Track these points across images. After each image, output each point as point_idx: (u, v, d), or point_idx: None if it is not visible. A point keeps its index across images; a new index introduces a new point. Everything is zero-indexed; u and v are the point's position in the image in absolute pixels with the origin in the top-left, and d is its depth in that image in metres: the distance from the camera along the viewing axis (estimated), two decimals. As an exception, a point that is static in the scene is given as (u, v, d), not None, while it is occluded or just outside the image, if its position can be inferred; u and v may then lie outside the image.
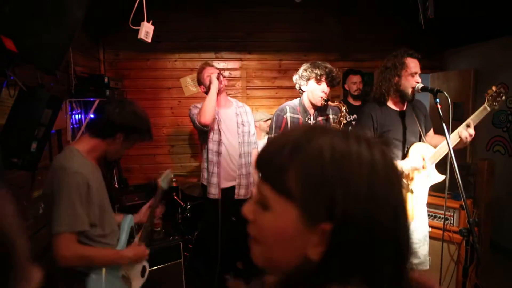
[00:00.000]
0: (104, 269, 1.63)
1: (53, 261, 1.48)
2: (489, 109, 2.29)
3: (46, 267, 0.63)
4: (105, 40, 4.29)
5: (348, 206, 0.52)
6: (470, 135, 2.23)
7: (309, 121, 2.55)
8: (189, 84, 4.50)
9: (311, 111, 2.59)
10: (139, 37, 2.42)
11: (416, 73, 2.29)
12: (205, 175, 2.85)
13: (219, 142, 2.75)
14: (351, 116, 3.85)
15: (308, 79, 2.50)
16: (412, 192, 2.39)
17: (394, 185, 0.57)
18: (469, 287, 2.61)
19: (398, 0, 4.49)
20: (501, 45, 4.02)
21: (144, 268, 1.90)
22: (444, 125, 1.99)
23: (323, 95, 2.48)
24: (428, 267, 2.55)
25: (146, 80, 4.44)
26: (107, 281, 1.63)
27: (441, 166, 2.35)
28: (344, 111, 2.41)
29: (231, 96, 4.54)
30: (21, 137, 1.91)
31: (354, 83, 3.98)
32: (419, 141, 2.46)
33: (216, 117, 2.76)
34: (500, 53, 4.04)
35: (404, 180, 2.33)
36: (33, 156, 1.96)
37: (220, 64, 4.55)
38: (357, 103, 4.02)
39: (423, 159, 2.27)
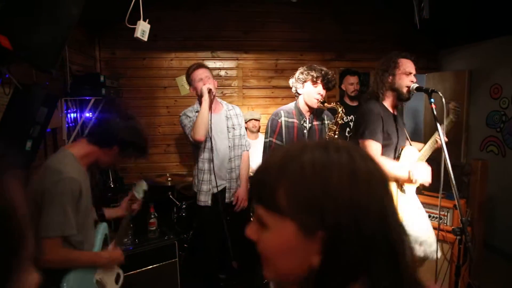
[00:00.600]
0: (78, 273, 1.63)
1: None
2: (454, 120, 2.53)
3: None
4: (101, 39, 4.28)
5: (335, 213, 0.56)
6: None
7: (304, 124, 2.56)
8: (185, 83, 4.48)
9: (307, 114, 2.60)
10: (135, 35, 2.42)
11: (410, 72, 2.31)
12: (195, 181, 2.86)
13: (211, 149, 2.74)
14: (348, 117, 3.86)
15: (304, 82, 2.53)
16: (404, 192, 2.44)
17: (377, 187, 0.60)
18: (461, 286, 2.64)
19: (394, 1, 4.51)
20: (496, 46, 4.05)
21: (118, 275, 1.92)
22: (438, 125, 2.01)
23: (319, 97, 2.50)
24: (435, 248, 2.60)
25: (142, 79, 4.43)
26: (82, 285, 1.63)
27: (435, 166, 2.37)
28: (341, 112, 2.43)
29: (227, 96, 4.58)
30: (16, 135, 1.90)
31: (351, 84, 3.99)
32: (406, 144, 2.51)
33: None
34: (495, 53, 4.07)
35: (395, 183, 2.36)
36: (28, 154, 1.96)
37: (217, 63, 4.55)
38: (354, 103, 4.04)
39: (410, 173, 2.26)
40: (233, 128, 2.84)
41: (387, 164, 2.25)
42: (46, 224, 1.49)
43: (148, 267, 2.84)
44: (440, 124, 2.02)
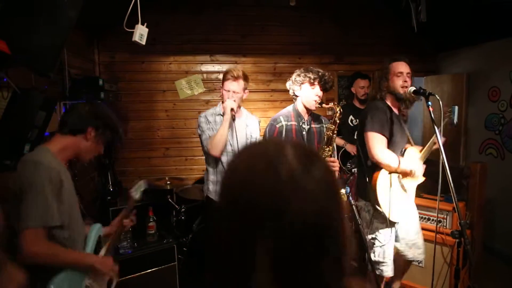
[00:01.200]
0: (67, 275, 1.58)
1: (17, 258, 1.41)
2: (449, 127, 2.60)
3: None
4: (100, 42, 4.29)
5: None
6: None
7: (303, 126, 2.58)
8: (184, 87, 4.50)
9: (305, 116, 2.61)
10: (133, 39, 2.42)
11: (400, 72, 2.41)
12: (210, 187, 2.74)
13: (228, 154, 2.67)
14: (356, 120, 3.83)
15: (301, 84, 2.54)
16: (406, 191, 2.50)
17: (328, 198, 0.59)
18: (461, 289, 2.65)
19: (392, 4, 4.53)
20: (494, 49, 4.06)
21: (110, 280, 1.85)
22: (435, 128, 2.01)
23: (317, 98, 2.51)
24: (425, 254, 2.72)
25: (141, 82, 4.43)
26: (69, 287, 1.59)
27: (434, 168, 2.38)
28: (338, 111, 2.43)
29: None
30: (14, 139, 1.90)
31: (362, 87, 3.93)
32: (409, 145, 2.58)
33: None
34: (493, 56, 4.08)
35: (398, 179, 2.46)
36: (26, 158, 1.95)
37: (215, 67, 4.56)
38: (363, 106, 4.02)
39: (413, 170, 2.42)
40: (251, 136, 2.81)
41: (390, 157, 2.36)
42: (27, 215, 1.43)
43: (147, 271, 2.83)
44: (438, 127, 2.02)
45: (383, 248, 2.49)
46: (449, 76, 4.62)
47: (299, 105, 2.61)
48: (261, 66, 4.68)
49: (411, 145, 2.62)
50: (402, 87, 2.40)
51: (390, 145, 2.43)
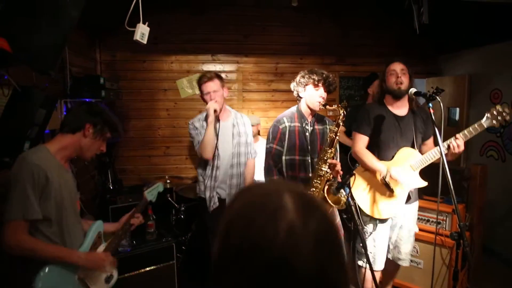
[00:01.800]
0: (54, 269, 1.61)
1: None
2: (485, 126, 2.32)
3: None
4: (102, 41, 4.29)
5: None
6: (458, 146, 2.29)
7: (306, 127, 2.59)
8: (185, 86, 4.51)
9: (309, 117, 2.62)
10: (134, 38, 2.42)
11: (394, 70, 2.49)
12: (202, 187, 2.81)
13: (217, 156, 2.72)
14: None
15: (306, 85, 2.55)
16: (394, 194, 2.48)
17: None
18: (460, 291, 2.64)
19: (394, 5, 4.52)
20: (496, 51, 4.06)
21: (110, 275, 1.88)
22: (436, 129, 2.01)
23: (321, 100, 2.52)
24: (408, 264, 2.73)
25: (142, 81, 4.44)
26: (58, 280, 1.61)
27: (434, 170, 2.37)
28: (342, 114, 2.43)
29: (227, 99, 4.55)
30: (13, 136, 1.90)
31: None
32: (412, 147, 2.52)
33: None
34: (495, 59, 4.07)
35: (389, 182, 2.46)
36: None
37: (217, 66, 4.56)
38: None
39: (388, 170, 2.43)
40: (239, 135, 2.81)
41: (367, 156, 2.52)
42: (9, 207, 1.51)
43: (146, 269, 2.84)
44: (439, 129, 2.02)
45: (372, 238, 2.56)
46: (451, 78, 4.61)
47: (303, 106, 2.62)
48: (262, 66, 4.68)
49: (415, 148, 2.54)
50: (396, 83, 2.47)
51: (377, 144, 2.53)
